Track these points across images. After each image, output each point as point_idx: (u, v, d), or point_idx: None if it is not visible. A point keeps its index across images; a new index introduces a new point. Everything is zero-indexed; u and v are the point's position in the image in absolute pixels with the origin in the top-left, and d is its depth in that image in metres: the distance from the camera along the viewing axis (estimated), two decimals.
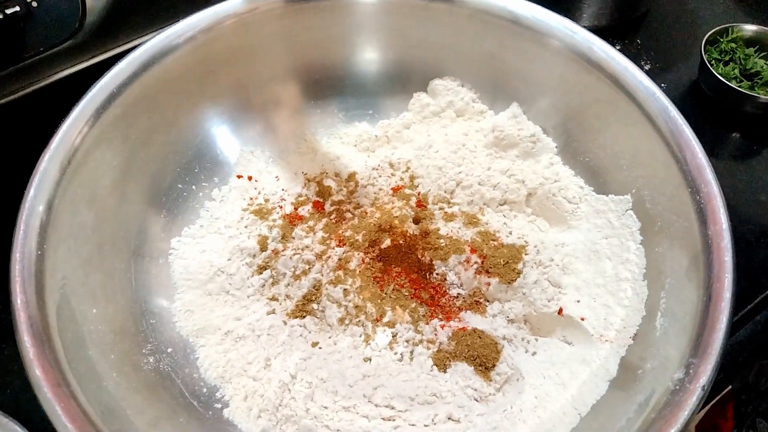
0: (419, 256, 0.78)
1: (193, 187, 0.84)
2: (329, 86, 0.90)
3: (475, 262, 0.76)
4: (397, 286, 0.77)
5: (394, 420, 0.67)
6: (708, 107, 0.99)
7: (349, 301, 0.75)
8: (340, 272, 0.77)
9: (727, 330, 0.57)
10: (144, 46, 0.76)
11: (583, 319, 0.73)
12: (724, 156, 0.96)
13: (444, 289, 0.77)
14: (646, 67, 1.04)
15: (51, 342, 0.58)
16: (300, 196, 0.85)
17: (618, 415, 0.62)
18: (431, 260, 0.78)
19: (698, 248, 0.64)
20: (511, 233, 0.80)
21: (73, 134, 0.69)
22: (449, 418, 0.67)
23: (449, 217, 0.81)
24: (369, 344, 0.73)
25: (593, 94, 0.79)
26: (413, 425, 0.66)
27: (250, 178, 0.86)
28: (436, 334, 0.73)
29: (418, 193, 0.84)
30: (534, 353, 0.73)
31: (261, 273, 0.78)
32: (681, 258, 0.67)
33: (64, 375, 0.57)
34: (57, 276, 0.64)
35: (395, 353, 0.72)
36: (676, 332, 0.63)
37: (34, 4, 0.76)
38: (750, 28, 1.00)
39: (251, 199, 0.85)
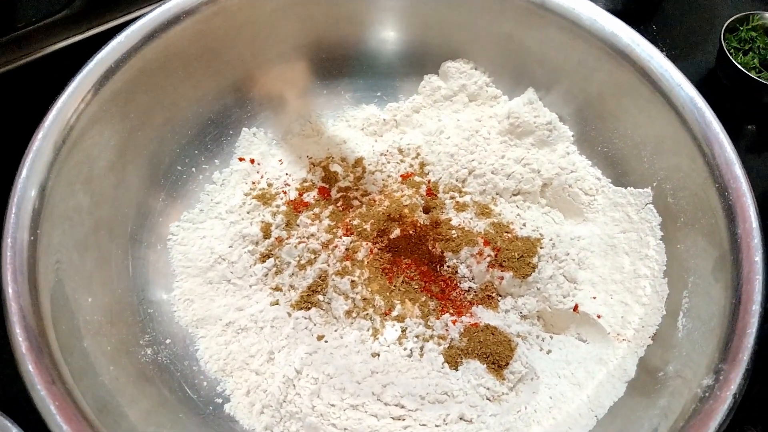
0: (430, 248, 0.75)
1: (193, 169, 0.80)
2: (337, 66, 0.86)
3: (488, 255, 0.73)
4: (406, 279, 0.74)
5: (404, 420, 0.64)
6: (725, 97, 0.96)
7: (357, 294, 0.72)
8: (348, 263, 0.74)
9: (758, 334, 0.55)
10: (144, 19, 0.72)
11: (599, 317, 0.70)
12: (740, 148, 0.93)
13: (455, 282, 0.74)
14: None
15: (45, 335, 0.54)
16: (305, 181, 0.81)
17: (639, 420, 0.59)
18: (442, 252, 0.75)
19: (726, 247, 0.62)
20: (525, 225, 0.77)
21: (69, 111, 0.65)
22: (461, 418, 0.65)
23: (461, 207, 0.78)
24: (377, 339, 0.70)
25: (615, 80, 0.76)
26: (424, 425, 0.64)
27: (252, 161, 0.82)
28: (447, 330, 0.70)
29: (429, 181, 0.81)
30: (549, 351, 0.70)
31: (264, 261, 0.75)
32: (706, 257, 0.64)
33: (59, 370, 0.53)
34: (50, 262, 0.60)
35: (405, 349, 0.69)
36: (702, 335, 0.60)
37: None
38: None
39: (253, 183, 0.81)
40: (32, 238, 0.58)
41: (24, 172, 0.61)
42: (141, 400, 0.61)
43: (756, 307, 0.56)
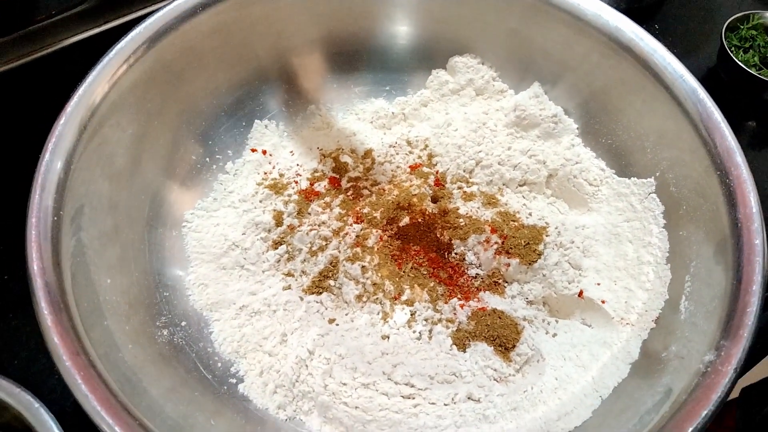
0: (438, 235, 0.77)
1: (207, 159, 0.82)
2: (348, 60, 0.88)
3: (495, 243, 0.75)
4: (415, 265, 0.76)
5: (413, 398, 0.66)
6: (725, 94, 0.98)
7: (367, 279, 0.74)
8: (358, 249, 0.76)
9: (758, 312, 0.56)
10: (162, 12, 0.74)
11: (603, 302, 0.72)
12: (740, 144, 0.95)
13: (462, 269, 0.76)
14: None
15: (68, 309, 0.56)
16: (315, 171, 0.83)
17: (642, 398, 0.61)
18: (450, 239, 0.77)
19: (726, 232, 0.64)
20: (531, 214, 0.79)
21: (90, 98, 0.67)
22: (469, 398, 0.66)
23: (468, 197, 0.80)
24: (387, 322, 0.72)
25: (618, 74, 0.78)
26: (433, 404, 0.66)
27: (264, 152, 0.84)
28: (455, 314, 0.72)
29: (437, 172, 0.83)
30: (554, 335, 0.72)
31: (276, 248, 0.77)
32: (708, 242, 0.66)
33: (82, 343, 0.55)
34: (72, 243, 0.62)
35: (414, 331, 0.71)
36: (704, 315, 0.62)
37: None
38: None
39: (265, 173, 0.83)
40: (55, 218, 0.60)
41: (47, 155, 0.62)
42: (159, 377, 0.63)
43: (756, 287, 0.58)
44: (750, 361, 0.76)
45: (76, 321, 0.56)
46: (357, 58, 0.88)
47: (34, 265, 0.56)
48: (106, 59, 0.70)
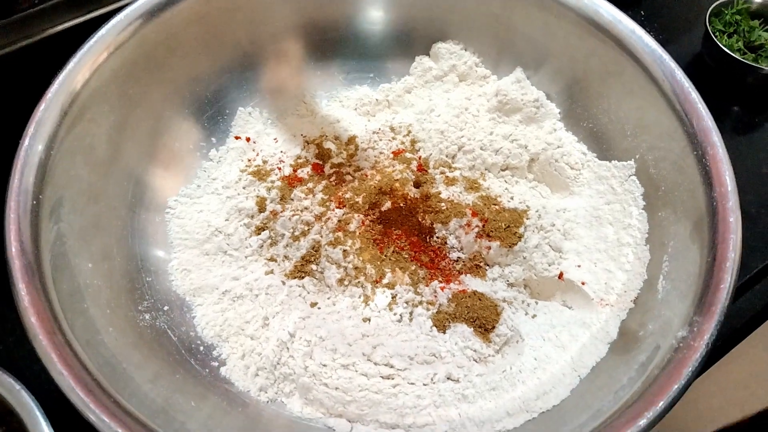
0: (420, 219, 0.77)
1: (190, 146, 0.83)
2: (331, 47, 0.88)
3: (476, 226, 0.76)
4: (397, 249, 0.76)
5: (393, 378, 0.66)
6: (711, 80, 0.98)
7: (349, 263, 0.74)
8: (340, 233, 0.76)
9: (731, 289, 0.57)
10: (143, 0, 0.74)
11: (583, 284, 0.72)
12: (725, 129, 0.96)
13: (444, 252, 0.76)
14: None
15: (46, 291, 0.57)
16: (299, 158, 0.84)
17: (619, 376, 0.61)
18: (432, 223, 0.77)
19: (703, 210, 0.64)
20: (512, 198, 0.79)
21: (71, 85, 0.68)
22: (448, 378, 0.67)
23: (450, 182, 0.80)
24: (368, 305, 0.72)
25: (599, 58, 0.78)
26: (412, 384, 0.66)
27: (248, 139, 0.85)
28: (435, 296, 0.72)
29: (419, 157, 0.83)
30: (534, 316, 0.72)
31: (259, 234, 0.77)
32: (685, 221, 0.67)
33: (60, 324, 0.56)
34: (53, 227, 0.63)
35: (394, 314, 0.72)
36: (679, 294, 0.62)
37: None
38: (755, 0, 0.99)
39: (249, 160, 0.84)
40: (35, 202, 0.61)
41: (27, 140, 0.63)
42: (141, 361, 0.63)
43: (730, 264, 0.58)
44: (728, 343, 0.77)
45: (54, 303, 0.57)
46: (340, 45, 0.88)
47: (12, 247, 0.57)
48: (87, 46, 0.71)
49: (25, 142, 0.63)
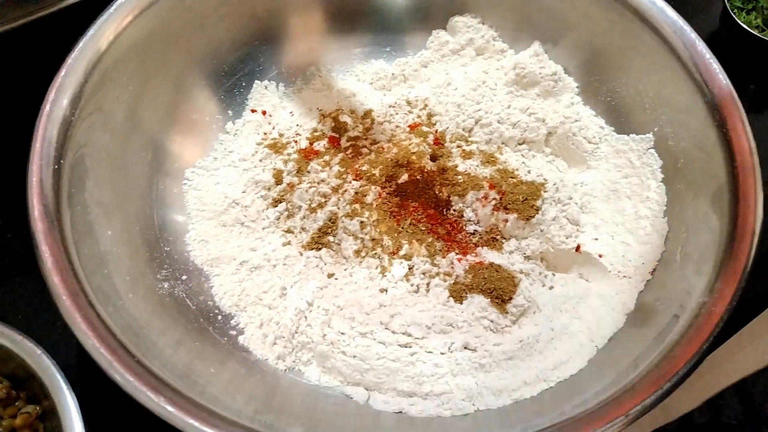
0: (436, 192, 0.77)
1: (207, 118, 0.83)
2: (348, 20, 0.88)
3: (493, 199, 0.75)
4: (413, 221, 0.76)
5: (410, 347, 0.66)
6: (728, 57, 0.97)
7: (366, 234, 0.75)
8: (357, 205, 0.76)
9: (753, 255, 0.57)
10: None
11: (601, 256, 0.72)
12: (743, 106, 0.95)
13: (461, 225, 0.76)
14: None
15: (69, 254, 0.57)
16: (315, 131, 0.84)
17: (637, 345, 0.61)
18: (449, 196, 0.77)
19: (723, 180, 0.64)
20: (529, 172, 0.79)
21: (90, 52, 0.68)
22: (466, 347, 0.67)
23: (467, 155, 0.80)
24: (385, 276, 0.72)
25: (618, 30, 0.78)
26: (430, 352, 0.66)
27: (264, 112, 0.85)
28: (452, 267, 0.73)
29: (436, 131, 0.83)
30: (551, 287, 0.72)
31: (276, 206, 0.77)
32: (705, 192, 0.67)
33: (82, 286, 0.56)
34: (74, 193, 0.63)
35: (411, 285, 0.72)
36: (698, 264, 0.62)
37: None
38: None
39: (265, 133, 0.84)
40: (56, 167, 0.61)
41: (48, 106, 0.63)
42: (160, 326, 0.64)
43: (751, 229, 0.58)
44: (746, 315, 0.76)
45: (76, 266, 0.57)
46: (356, 18, 0.88)
47: (35, 210, 0.57)
48: (105, 15, 0.71)
49: (47, 107, 0.63)
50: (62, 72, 0.65)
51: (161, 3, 0.74)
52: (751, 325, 0.74)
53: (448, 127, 0.82)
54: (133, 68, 0.73)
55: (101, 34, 0.69)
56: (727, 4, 0.95)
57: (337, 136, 0.83)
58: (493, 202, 0.75)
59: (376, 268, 0.73)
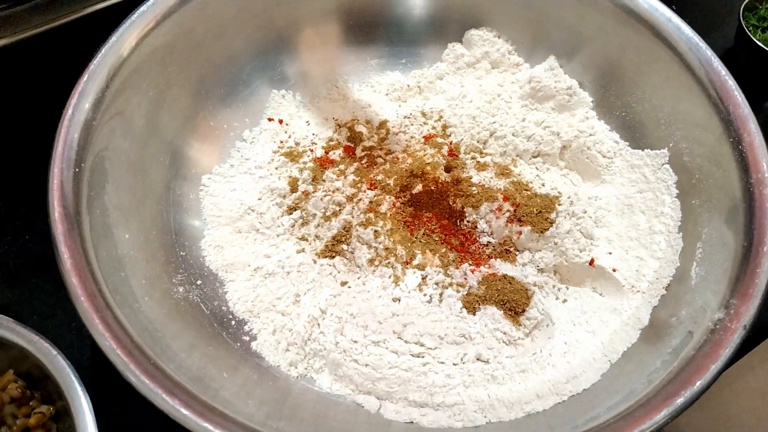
0: (450, 203, 0.78)
1: (224, 125, 0.84)
2: (364, 32, 0.89)
3: (507, 210, 0.76)
4: (427, 231, 0.76)
5: (423, 357, 0.66)
6: (743, 75, 0.97)
7: (380, 243, 0.75)
8: (371, 215, 0.77)
9: None
10: None
11: (614, 271, 0.72)
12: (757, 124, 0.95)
13: (474, 236, 0.77)
14: None
15: (87, 256, 0.58)
16: (331, 140, 0.84)
17: (651, 360, 0.61)
18: (462, 207, 0.77)
19: (738, 197, 0.64)
20: (543, 185, 0.79)
21: (112, 59, 0.69)
22: (478, 359, 0.67)
23: (481, 167, 0.81)
24: (398, 285, 0.73)
25: (633, 46, 0.78)
26: (442, 363, 0.66)
27: (281, 121, 0.86)
28: (465, 278, 0.73)
29: (450, 143, 0.83)
30: (564, 301, 0.72)
31: (291, 213, 0.78)
32: (720, 208, 0.67)
33: (100, 288, 0.56)
34: (93, 196, 0.64)
35: (424, 295, 0.72)
36: (713, 280, 0.62)
37: None
38: None
39: (281, 142, 0.84)
40: (77, 170, 0.62)
41: (70, 111, 0.64)
42: (175, 330, 0.64)
43: (767, 248, 0.58)
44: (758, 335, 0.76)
45: (95, 268, 0.58)
46: (373, 30, 0.89)
47: (56, 212, 0.58)
48: (128, 22, 0.72)
49: (69, 111, 0.64)
50: (85, 77, 0.66)
51: (182, 11, 0.75)
52: (763, 346, 0.73)
53: (462, 139, 0.83)
54: (153, 74, 0.74)
55: (123, 40, 0.70)
56: (743, 22, 0.96)
57: (352, 145, 0.84)
58: (507, 214, 0.76)
59: (390, 277, 0.73)
